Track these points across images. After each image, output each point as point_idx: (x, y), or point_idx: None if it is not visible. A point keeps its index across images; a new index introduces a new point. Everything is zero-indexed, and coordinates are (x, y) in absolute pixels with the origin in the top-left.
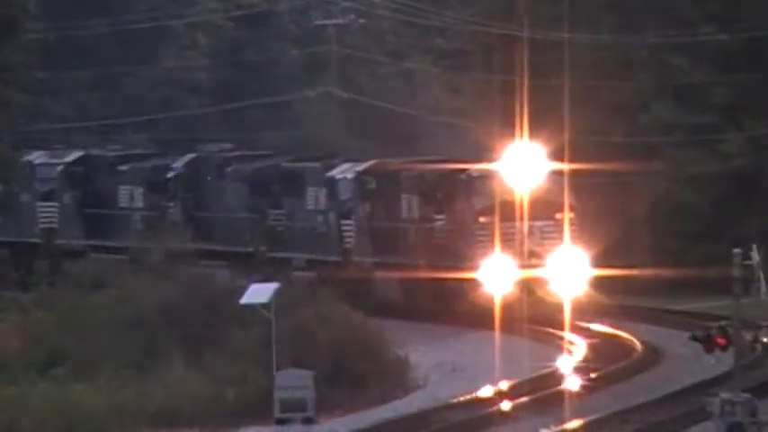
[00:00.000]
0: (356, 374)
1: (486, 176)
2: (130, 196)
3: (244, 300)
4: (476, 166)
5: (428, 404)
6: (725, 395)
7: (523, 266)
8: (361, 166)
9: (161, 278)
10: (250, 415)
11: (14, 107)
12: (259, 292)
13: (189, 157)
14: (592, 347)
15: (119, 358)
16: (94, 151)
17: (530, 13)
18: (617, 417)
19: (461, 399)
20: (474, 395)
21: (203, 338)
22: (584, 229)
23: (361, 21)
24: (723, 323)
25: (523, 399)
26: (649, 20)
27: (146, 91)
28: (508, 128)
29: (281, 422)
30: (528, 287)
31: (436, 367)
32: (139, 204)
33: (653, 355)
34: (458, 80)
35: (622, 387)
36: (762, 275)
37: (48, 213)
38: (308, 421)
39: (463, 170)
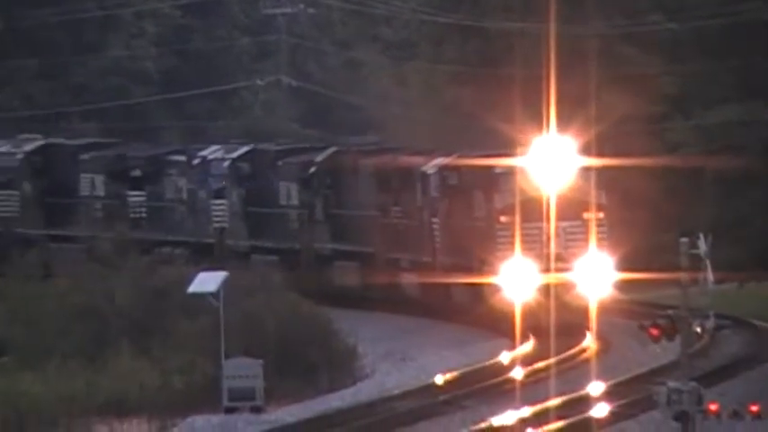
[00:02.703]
0: (305, 363)
1: (509, 173)
2: (287, 193)
3: (192, 289)
4: (500, 162)
5: (375, 393)
6: (672, 384)
7: (547, 270)
8: (444, 160)
9: (110, 267)
10: (198, 404)
11: None
12: (207, 281)
13: (330, 150)
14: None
15: (67, 348)
16: (261, 145)
17: (482, 2)
18: (564, 405)
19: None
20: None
21: (151, 328)
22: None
23: (311, 11)
24: (670, 312)
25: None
26: (598, 10)
27: (93, 80)
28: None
29: (229, 411)
30: (552, 292)
31: (384, 357)
32: (295, 202)
33: (602, 346)
34: (405, 70)
35: (569, 376)
36: (709, 265)
37: (220, 211)
38: (257, 410)
39: (490, 166)
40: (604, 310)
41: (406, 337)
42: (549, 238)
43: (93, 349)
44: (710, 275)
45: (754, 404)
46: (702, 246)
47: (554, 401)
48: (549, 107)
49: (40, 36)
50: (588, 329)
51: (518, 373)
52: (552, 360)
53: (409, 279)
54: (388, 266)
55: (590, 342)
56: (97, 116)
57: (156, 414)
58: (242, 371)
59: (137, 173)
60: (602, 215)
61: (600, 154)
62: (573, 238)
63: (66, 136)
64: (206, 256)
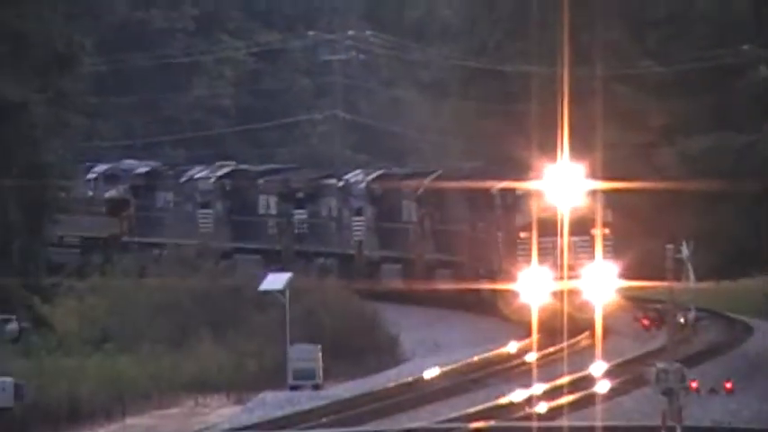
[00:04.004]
0: (355, 349)
1: (528, 195)
2: (408, 210)
3: (262, 287)
4: (520, 185)
5: (414, 373)
6: (660, 365)
7: (559, 279)
8: (502, 183)
9: (192, 269)
10: (268, 382)
11: (72, 128)
12: (275, 281)
13: (436, 173)
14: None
15: (157, 335)
16: (392, 169)
17: (500, 48)
18: (572, 383)
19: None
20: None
21: (228, 319)
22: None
23: (361, 57)
24: (659, 306)
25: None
26: (598, 55)
27: (181, 114)
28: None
29: (293, 388)
30: (563, 298)
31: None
32: (414, 218)
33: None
34: (439, 106)
35: (574, 360)
36: (690, 266)
37: (359, 227)
38: (316, 387)
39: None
40: (607, 307)
41: (441, 327)
42: (561, 251)
43: (178, 337)
44: (692, 275)
45: (727, 382)
46: (685, 251)
47: (561, 380)
48: (563, 138)
49: (138, 77)
50: (591, 327)
51: (532, 358)
52: (562, 345)
53: (481, 284)
54: (471, 274)
55: (590, 335)
56: (184, 144)
57: (233, 391)
58: (304, 355)
59: (300, 194)
60: (607, 231)
61: (604, 177)
62: (582, 251)
63: (164, 161)
64: (349, 266)
